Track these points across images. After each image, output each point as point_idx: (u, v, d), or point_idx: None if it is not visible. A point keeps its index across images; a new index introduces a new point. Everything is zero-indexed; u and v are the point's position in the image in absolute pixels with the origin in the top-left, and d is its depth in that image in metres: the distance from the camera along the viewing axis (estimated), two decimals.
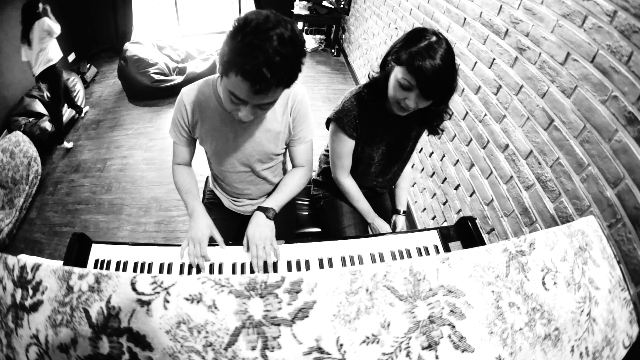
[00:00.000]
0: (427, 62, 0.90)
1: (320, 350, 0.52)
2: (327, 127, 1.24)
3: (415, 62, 0.91)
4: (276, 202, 1.09)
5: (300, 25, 5.10)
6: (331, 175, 1.33)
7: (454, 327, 0.56)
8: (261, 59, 0.73)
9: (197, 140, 1.14)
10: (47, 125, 2.99)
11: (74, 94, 3.39)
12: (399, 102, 1.01)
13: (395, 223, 1.45)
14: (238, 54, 0.75)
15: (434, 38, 0.93)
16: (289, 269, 0.93)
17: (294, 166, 1.21)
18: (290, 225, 1.42)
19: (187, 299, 0.54)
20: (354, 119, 1.14)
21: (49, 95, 3.26)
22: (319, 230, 1.49)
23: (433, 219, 2.10)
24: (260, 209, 1.05)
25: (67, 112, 3.22)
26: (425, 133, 1.25)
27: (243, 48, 0.74)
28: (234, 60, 0.76)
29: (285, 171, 1.31)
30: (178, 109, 1.05)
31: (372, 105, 1.12)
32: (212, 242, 0.99)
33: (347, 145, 1.20)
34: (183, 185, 1.15)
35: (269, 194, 1.28)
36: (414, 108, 1.00)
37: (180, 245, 0.96)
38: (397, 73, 0.97)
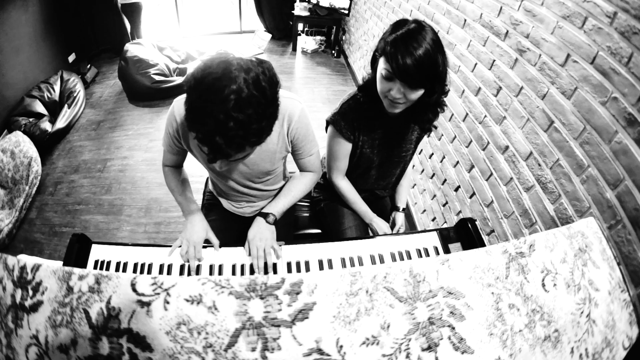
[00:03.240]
0: (401, 47, 0.88)
1: (320, 351, 0.52)
2: (326, 130, 1.24)
3: (390, 49, 0.89)
4: (277, 207, 1.09)
5: (300, 26, 5.11)
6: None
7: (453, 328, 0.57)
8: (212, 126, 0.66)
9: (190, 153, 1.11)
10: (47, 125, 2.99)
11: (74, 95, 3.40)
12: (386, 97, 0.98)
13: (395, 220, 1.45)
14: (192, 118, 0.69)
15: (413, 25, 0.91)
16: (289, 270, 0.93)
17: (301, 171, 1.21)
18: (289, 226, 1.42)
19: (187, 300, 0.54)
20: (351, 122, 1.13)
21: (128, 23, 4.26)
22: (319, 231, 1.49)
23: (433, 220, 2.10)
24: (261, 214, 1.05)
25: (67, 113, 3.22)
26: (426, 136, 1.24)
27: (195, 111, 0.68)
28: (189, 123, 0.71)
29: (285, 175, 1.31)
30: (169, 121, 1.00)
31: (370, 108, 1.10)
32: (209, 243, 1.00)
33: (344, 148, 1.20)
34: (177, 187, 1.14)
35: (268, 198, 1.28)
36: (403, 100, 0.96)
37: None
38: (381, 64, 0.96)
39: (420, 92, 0.95)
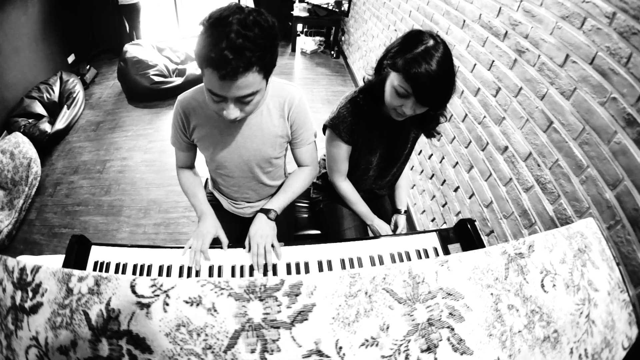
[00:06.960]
0: (423, 69, 0.88)
1: (319, 353, 0.52)
2: (324, 133, 1.24)
3: (412, 70, 0.89)
4: (278, 203, 1.10)
5: (299, 27, 5.11)
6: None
7: (453, 329, 0.57)
8: (223, 44, 0.74)
9: (197, 146, 1.14)
10: (47, 126, 2.99)
11: (74, 96, 3.40)
12: (395, 109, 1.01)
13: (397, 223, 1.45)
14: (203, 46, 0.76)
15: (431, 42, 0.91)
16: (289, 271, 0.93)
17: (298, 166, 1.21)
18: (289, 226, 1.43)
19: (187, 302, 0.54)
20: (350, 125, 1.14)
21: (127, 24, 4.29)
22: (318, 232, 1.49)
23: (432, 220, 2.10)
24: (262, 210, 1.06)
25: (67, 114, 3.22)
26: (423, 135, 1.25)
27: (207, 39, 0.76)
28: (201, 54, 0.77)
29: (285, 174, 1.31)
30: (175, 117, 1.06)
31: (368, 110, 1.11)
32: (217, 244, 0.99)
33: (344, 150, 1.20)
34: (189, 189, 1.17)
35: (269, 196, 1.28)
36: (411, 114, 1.00)
37: (181, 248, 0.96)
38: (394, 80, 0.96)
39: (428, 107, 0.98)
